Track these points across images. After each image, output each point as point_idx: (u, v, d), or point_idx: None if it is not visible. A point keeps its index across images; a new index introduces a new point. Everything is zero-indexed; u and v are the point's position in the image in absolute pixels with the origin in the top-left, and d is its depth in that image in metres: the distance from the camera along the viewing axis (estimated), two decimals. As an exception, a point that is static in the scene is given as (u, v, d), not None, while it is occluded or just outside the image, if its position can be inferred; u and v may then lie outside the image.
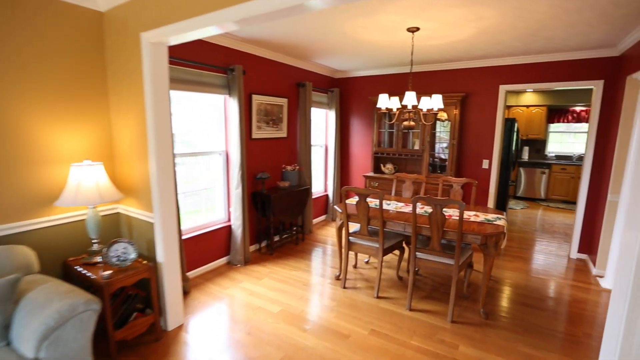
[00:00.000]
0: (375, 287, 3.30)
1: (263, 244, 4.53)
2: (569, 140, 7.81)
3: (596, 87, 4.06)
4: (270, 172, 4.57)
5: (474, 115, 4.79)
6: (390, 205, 3.65)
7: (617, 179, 3.66)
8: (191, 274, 3.61)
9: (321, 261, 4.17)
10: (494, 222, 3.06)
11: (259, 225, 4.35)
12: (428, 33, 3.41)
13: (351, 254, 4.25)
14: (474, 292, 3.42)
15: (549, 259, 4.34)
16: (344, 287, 3.47)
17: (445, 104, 4.65)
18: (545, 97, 7.49)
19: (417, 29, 3.25)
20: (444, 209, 3.41)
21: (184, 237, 3.47)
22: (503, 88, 4.55)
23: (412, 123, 3.38)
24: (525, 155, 7.94)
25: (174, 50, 3.16)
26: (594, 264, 3.93)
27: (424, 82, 5.04)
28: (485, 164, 4.76)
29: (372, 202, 3.77)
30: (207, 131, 3.91)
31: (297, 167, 4.77)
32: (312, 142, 5.50)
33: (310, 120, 4.94)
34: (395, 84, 5.28)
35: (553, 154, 7.82)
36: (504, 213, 3.45)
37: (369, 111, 5.54)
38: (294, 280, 3.62)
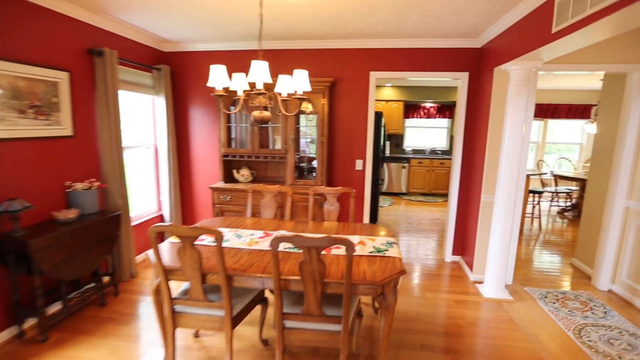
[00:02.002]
0: (225, 379, 2.03)
1: (29, 324, 2.63)
2: (422, 134, 8.20)
3: (462, 79, 3.77)
4: (39, 198, 2.68)
5: (344, 106, 3.99)
6: (243, 239, 2.41)
7: (490, 178, 3.38)
8: None
9: (144, 333, 2.61)
10: (387, 253, 2.19)
11: (14, 292, 2.45)
12: (283, -22, 2.27)
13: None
14: (365, 342, 2.54)
15: (425, 265, 3.93)
16: (172, 389, 2.06)
17: (311, 91, 3.66)
18: (402, 93, 7.59)
19: (266, -36, 2.07)
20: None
21: None
22: (374, 75, 3.88)
23: (265, 113, 2.20)
24: (387, 150, 7.97)
25: None
26: (470, 267, 3.65)
27: (285, 63, 3.96)
28: (358, 164, 4.05)
29: (224, 230, 2.46)
30: None
31: (97, 184, 3.00)
32: (128, 143, 3.76)
33: (117, 109, 3.21)
34: (248, 64, 4.03)
35: (410, 148, 8.08)
36: (392, 232, 2.66)
37: (214, 99, 4.13)
38: (77, 395, 2.00)
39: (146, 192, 4.14)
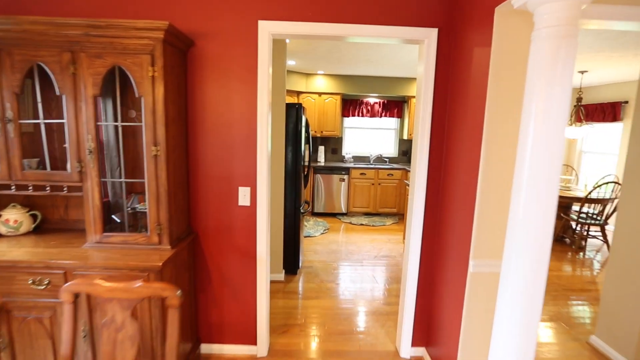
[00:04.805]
0: None
1: None
2: (364, 137, 6.58)
3: (426, 41, 2.09)
4: None
5: (211, 88, 2.10)
6: None
7: (487, 230, 1.73)
8: None
9: None
10: None
11: None
12: None
13: None
14: None
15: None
16: None
17: (123, 49, 1.73)
18: (339, 84, 5.91)
19: None
20: None
21: None
22: (266, 28, 2.04)
23: None
24: (322, 158, 6.24)
25: None
26: (446, 385, 1.98)
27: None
28: (243, 195, 2.19)
29: None
30: None
31: None
32: None
33: None
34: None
35: (350, 155, 6.43)
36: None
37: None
38: None
39: None
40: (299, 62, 4.96)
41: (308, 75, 5.80)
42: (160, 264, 1.69)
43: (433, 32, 2.06)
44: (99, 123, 1.80)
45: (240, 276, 2.26)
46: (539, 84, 1.38)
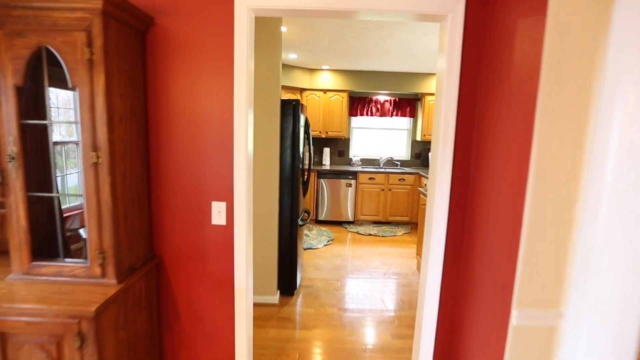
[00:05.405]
0: None
1: None
2: (374, 138, 6.10)
3: (450, 17, 1.63)
4: None
5: (177, 81, 1.68)
6: None
7: (542, 267, 1.26)
8: None
9: None
10: None
11: None
12: None
13: None
14: None
15: None
16: None
17: (52, 25, 1.32)
18: (346, 80, 5.45)
19: None
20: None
21: None
22: (243, 1, 1.61)
23: None
24: (327, 161, 5.79)
25: None
26: None
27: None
28: (217, 212, 1.76)
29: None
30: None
31: None
32: None
33: None
34: None
35: (358, 158, 5.96)
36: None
37: None
38: None
39: None
40: (301, 56, 4.53)
41: (312, 70, 5.36)
42: (94, 309, 1.27)
43: (459, 4, 1.60)
44: (23, 122, 1.40)
45: (216, 310, 1.84)
46: (627, 67, 0.92)
